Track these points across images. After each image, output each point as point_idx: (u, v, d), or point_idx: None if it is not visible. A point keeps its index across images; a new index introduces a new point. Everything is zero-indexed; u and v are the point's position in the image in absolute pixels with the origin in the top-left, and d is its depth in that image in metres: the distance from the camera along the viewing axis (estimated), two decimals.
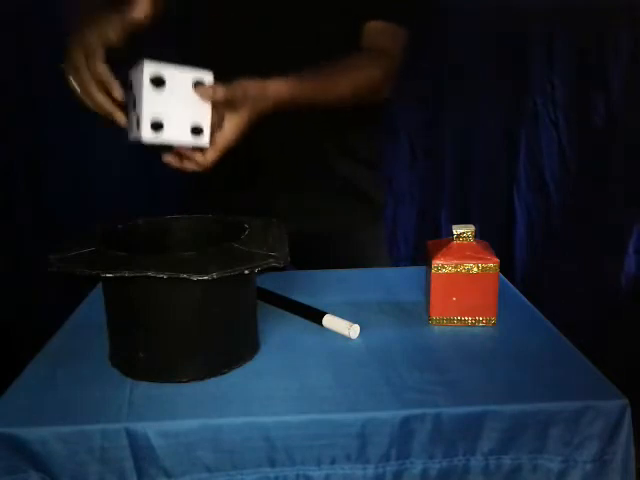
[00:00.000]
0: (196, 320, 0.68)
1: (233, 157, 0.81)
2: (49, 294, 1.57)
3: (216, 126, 0.78)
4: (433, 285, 0.79)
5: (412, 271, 1.00)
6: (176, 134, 0.74)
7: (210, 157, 0.79)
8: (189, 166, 0.80)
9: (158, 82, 0.71)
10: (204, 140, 0.77)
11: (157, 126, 0.72)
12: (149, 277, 0.61)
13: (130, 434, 0.60)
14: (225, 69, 0.76)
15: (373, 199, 1.19)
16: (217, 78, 0.77)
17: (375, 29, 1.01)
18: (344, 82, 0.94)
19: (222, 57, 0.87)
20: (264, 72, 0.80)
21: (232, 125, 0.79)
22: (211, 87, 0.76)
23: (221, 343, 0.70)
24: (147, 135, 0.72)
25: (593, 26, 1.54)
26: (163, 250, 0.81)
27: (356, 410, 0.62)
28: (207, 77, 0.75)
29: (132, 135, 0.75)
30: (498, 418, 0.62)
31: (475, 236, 0.79)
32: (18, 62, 1.49)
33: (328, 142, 1.09)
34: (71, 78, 0.75)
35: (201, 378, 0.68)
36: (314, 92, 0.89)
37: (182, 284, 0.62)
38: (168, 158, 0.80)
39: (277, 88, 0.83)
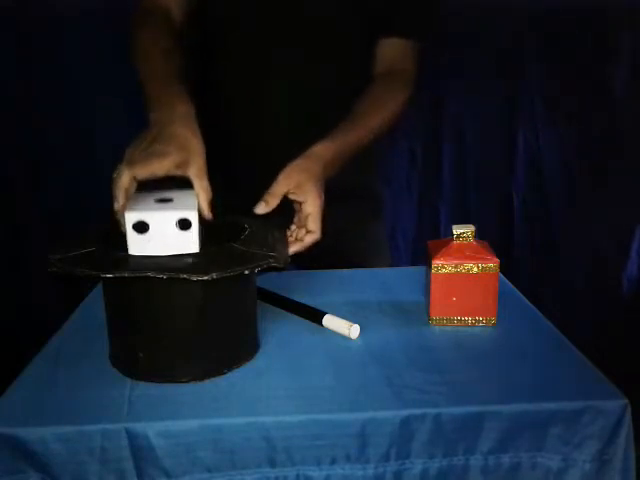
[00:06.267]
0: (196, 320, 0.68)
1: (232, 158, 0.81)
2: (49, 294, 1.57)
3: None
4: (433, 285, 0.79)
5: (412, 271, 1.00)
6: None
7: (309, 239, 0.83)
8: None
9: (141, 227, 0.67)
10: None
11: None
12: (149, 277, 0.61)
13: (130, 434, 0.60)
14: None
15: (372, 199, 1.19)
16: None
17: (393, 49, 1.04)
18: (377, 121, 0.99)
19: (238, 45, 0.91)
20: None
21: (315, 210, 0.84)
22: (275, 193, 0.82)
23: (221, 343, 0.70)
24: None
25: (593, 26, 1.54)
26: None
27: (356, 410, 0.62)
28: (190, 214, 0.67)
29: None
30: (498, 418, 0.62)
31: (475, 236, 0.79)
32: (18, 62, 1.49)
33: None
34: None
35: (201, 378, 0.68)
36: (355, 143, 0.94)
37: (182, 284, 0.62)
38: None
39: (322, 159, 0.87)
